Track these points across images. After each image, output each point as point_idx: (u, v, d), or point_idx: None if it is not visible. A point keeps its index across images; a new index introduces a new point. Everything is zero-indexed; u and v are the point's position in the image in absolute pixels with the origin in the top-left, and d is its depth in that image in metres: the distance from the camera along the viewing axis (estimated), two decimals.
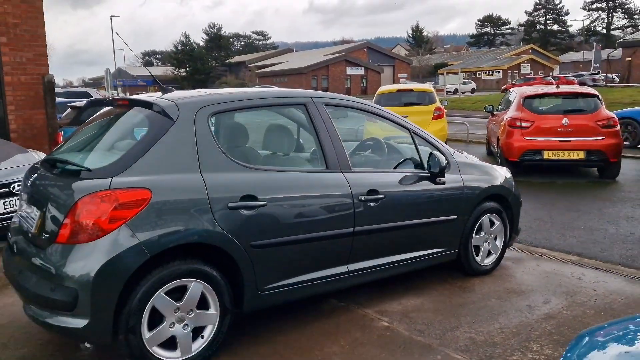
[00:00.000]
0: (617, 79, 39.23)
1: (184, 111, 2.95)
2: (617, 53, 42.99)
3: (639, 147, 11.78)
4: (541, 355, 3.00)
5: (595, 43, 54.45)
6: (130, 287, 2.59)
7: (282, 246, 3.05)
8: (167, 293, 2.71)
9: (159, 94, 3.26)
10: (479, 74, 63.41)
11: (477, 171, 4.26)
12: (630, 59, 36.25)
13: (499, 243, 4.45)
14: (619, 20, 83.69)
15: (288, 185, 3.12)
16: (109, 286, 2.53)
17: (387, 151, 4.14)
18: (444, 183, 3.87)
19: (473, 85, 52.09)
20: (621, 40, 43.47)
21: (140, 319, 2.62)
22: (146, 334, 2.65)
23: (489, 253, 4.40)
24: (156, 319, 2.70)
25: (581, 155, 8.22)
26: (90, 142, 3.25)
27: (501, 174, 4.48)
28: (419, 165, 3.89)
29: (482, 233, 4.29)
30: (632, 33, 57.71)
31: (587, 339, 1.85)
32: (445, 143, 10.05)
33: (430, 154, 3.80)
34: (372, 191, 3.45)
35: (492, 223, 4.36)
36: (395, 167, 3.92)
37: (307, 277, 3.22)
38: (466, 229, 4.12)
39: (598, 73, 41.02)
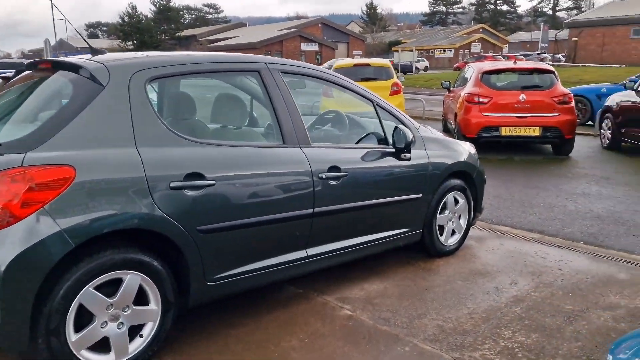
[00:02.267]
0: (564, 59, 40.35)
1: (116, 75, 2.52)
2: (564, 33, 44.19)
3: (588, 124, 11.99)
4: (514, 343, 2.81)
5: (542, 24, 55.73)
6: (52, 283, 2.19)
7: (234, 230, 2.70)
8: (98, 288, 2.31)
9: (89, 56, 2.81)
10: (432, 52, 63.95)
11: (443, 147, 4.02)
12: (576, 39, 37.31)
13: (463, 222, 4.25)
14: (565, 2, 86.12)
15: (240, 162, 2.76)
16: (24, 281, 2.12)
17: (348, 125, 3.83)
18: (409, 159, 3.61)
19: (426, 63, 52.45)
20: (568, 21, 44.62)
21: (65, 320, 2.22)
22: (72, 337, 2.26)
23: (453, 232, 4.20)
24: (84, 318, 2.30)
25: (537, 131, 8.20)
26: (3, 111, 2.76)
27: (466, 149, 4.26)
28: (382, 140, 3.60)
29: (447, 212, 4.08)
30: (576, 15, 59.43)
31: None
32: None
33: (395, 127, 3.51)
34: (333, 168, 3.14)
35: (456, 201, 4.15)
36: (357, 142, 3.61)
37: (261, 264, 2.89)
38: (431, 207, 3.89)
39: (545, 53, 42.03)
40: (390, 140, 3.57)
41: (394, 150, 3.55)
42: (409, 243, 3.87)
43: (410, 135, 3.46)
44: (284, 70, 3.14)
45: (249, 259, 2.84)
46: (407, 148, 3.49)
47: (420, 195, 3.77)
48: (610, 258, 4.13)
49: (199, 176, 2.55)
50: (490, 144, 8.78)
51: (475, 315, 3.11)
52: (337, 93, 4.36)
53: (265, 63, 3.08)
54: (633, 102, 8.35)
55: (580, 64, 33.59)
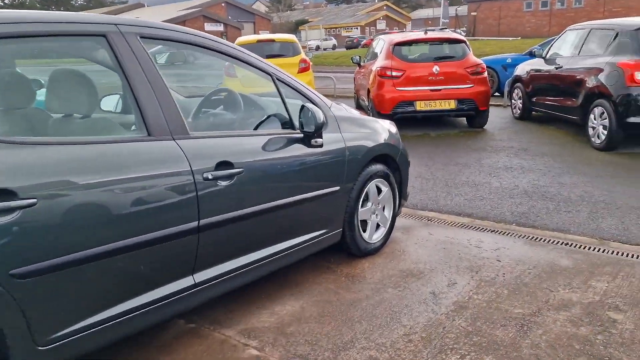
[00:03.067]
0: (464, 34, 41.69)
1: None
2: (464, 9, 45.66)
3: (497, 95, 12.02)
4: None
5: (442, 0, 57.37)
6: None
7: (75, 267, 1.86)
8: None
9: None
10: (339, 31, 63.88)
11: (360, 127, 3.36)
12: (475, 13, 38.59)
13: (388, 213, 3.66)
14: None
15: (77, 167, 1.90)
16: None
17: (243, 106, 3.05)
18: (321, 145, 2.91)
19: (334, 41, 52.23)
20: None
21: None
22: None
23: (378, 227, 3.59)
24: None
25: (452, 104, 7.86)
26: None
27: (386, 128, 3.64)
28: (287, 123, 2.87)
29: (369, 204, 3.45)
30: None
31: None
32: None
33: (302, 107, 2.79)
34: (224, 164, 2.37)
35: (379, 190, 3.54)
36: (256, 128, 2.86)
37: (128, 305, 2.07)
38: (351, 201, 3.23)
39: (446, 28, 43.20)
40: (297, 124, 2.85)
41: (302, 135, 2.84)
42: (327, 246, 3.20)
43: (321, 116, 2.76)
44: (144, 35, 2.29)
45: (109, 301, 2.01)
46: (317, 132, 2.79)
47: (338, 187, 3.10)
48: (547, 241, 3.72)
49: (7, 194, 1.68)
50: (405, 120, 8.35)
51: (414, 337, 2.50)
52: (241, 72, 3.54)
53: (116, 24, 2.21)
54: (542, 70, 8.24)
55: (481, 38, 34.79)
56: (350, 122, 3.27)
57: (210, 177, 2.28)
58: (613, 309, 2.71)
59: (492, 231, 3.97)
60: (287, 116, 2.86)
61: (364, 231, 3.45)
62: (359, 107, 10.60)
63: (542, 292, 2.93)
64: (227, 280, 2.48)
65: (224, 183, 2.35)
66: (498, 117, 9.49)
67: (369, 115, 8.38)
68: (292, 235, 2.86)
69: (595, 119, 6.55)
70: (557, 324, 2.58)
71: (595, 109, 6.53)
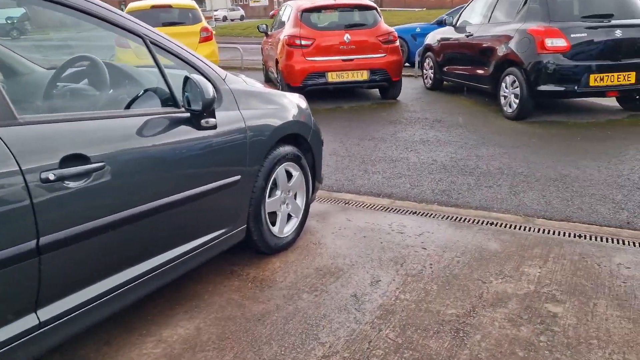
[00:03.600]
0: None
1: None
2: None
3: (407, 65, 11.89)
4: None
5: None
6: None
7: None
8: None
9: None
10: (247, 1, 61.84)
11: (264, 103, 2.82)
12: None
13: (301, 201, 3.18)
14: None
15: None
16: None
17: (109, 79, 2.39)
18: (214, 126, 2.35)
19: (242, 12, 50.47)
20: None
21: None
22: None
23: (289, 217, 3.11)
24: None
25: (365, 75, 7.50)
26: None
27: (295, 104, 3.13)
28: (170, 100, 2.27)
29: (278, 192, 2.95)
30: None
31: None
32: None
33: (186, 79, 2.20)
34: (75, 158, 1.75)
35: (289, 176, 3.05)
36: (128, 107, 2.23)
37: None
38: (256, 191, 2.71)
39: None
40: (181, 100, 2.26)
41: (188, 115, 2.25)
42: (230, 246, 2.67)
43: (210, 90, 2.18)
44: None
45: None
46: (207, 110, 2.22)
47: (239, 177, 2.56)
48: (472, 221, 3.44)
49: None
50: (316, 92, 7.90)
51: (335, 358, 2.06)
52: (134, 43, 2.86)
53: None
54: (452, 38, 8.08)
55: (388, 9, 34.98)
56: (251, 97, 2.72)
57: (51, 177, 1.66)
58: (551, 301, 2.44)
59: (414, 213, 3.64)
60: (167, 90, 2.25)
61: (273, 224, 2.96)
62: (268, 80, 10.01)
63: (474, 284, 2.61)
64: (92, 310, 1.89)
65: (74, 184, 1.73)
66: (410, 87, 9.30)
67: (278, 88, 7.86)
68: (181, 242, 2.30)
69: (506, 87, 6.46)
70: (495, 325, 2.26)
71: (507, 77, 6.43)
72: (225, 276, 2.75)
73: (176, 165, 2.20)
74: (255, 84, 3.01)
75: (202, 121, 2.28)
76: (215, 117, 2.33)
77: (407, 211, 3.67)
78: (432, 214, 3.60)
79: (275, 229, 2.95)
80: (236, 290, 2.60)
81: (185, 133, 2.24)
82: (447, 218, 3.53)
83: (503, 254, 2.96)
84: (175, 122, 2.23)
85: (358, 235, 3.25)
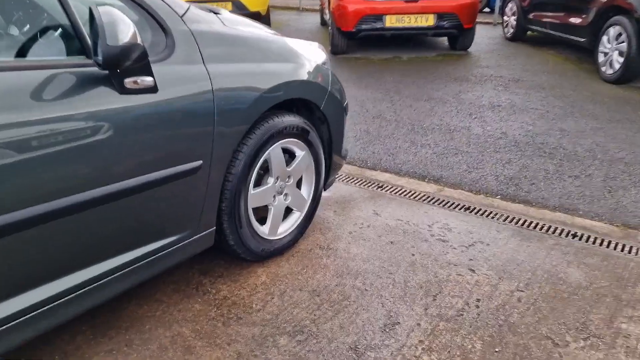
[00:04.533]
0: None
1: None
2: None
3: (486, 11, 10.40)
4: None
5: None
6: None
7: None
8: None
9: None
10: None
11: (250, 54, 1.95)
12: None
13: (308, 190, 2.35)
14: None
15: None
16: None
17: None
18: (152, 89, 1.53)
19: None
20: None
21: None
22: None
23: (288, 212, 2.30)
24: None
25: (431, 20, 6.34)
26: None
27: (304, 56, 2.24)
28: (78, 44, 1.46)
29: (271, 180, 2.13)
30: None
31: None
32: (268, 12, 7.58)
33: (91, 12, 1.37)
34: None
35: (291, 156, 2.22)
36: (20, 55, 1.47)
37: None
38: (232, 179, 1.91)
39: None
40: (98, 46, 1.44)
41: (106, 70, 1.44)
42: (190, 256, 1.91)
43: (121, 32, 1.34)
44: None
45: None
46: (119, 62, 1.39)
47: (200, 162, 1.75)
48: (546, 229, 2.49)
49: None
50: (371, 40, 6.86)
51: None
52: None
53: None
54: None
55: None
56: (226, 45, 1.86)
57: None
58: None
59: (466, 209, 2.72)
60: (74, 32, 1.44)
61: (263, 222, 2.16)
62: (324, 23, 9.01)
63: (541, 347, 1.72)
64: None
65: None
66: (486, 37, 7.99)
67: (329, 33, 6.90)
68: (99, 256, 1.55)
69: (608, 42, 5.15)
70: None
71: (610, 29, 5.10)
72: (186, 292, 2.01)
73: (87, 150, 1.42)
74: (244, 22, 2.14)
75: (126, 81, 1.46)
76: (151, 75, 1.51)
77: (457, 205, 2.76)
78: (490, 213, 2.67)
79: (263, 229, 2.15)
80: (191, 320, 1.85)
81: (101, 98, 1.45)
82: (511, 221, 2.59)
83: (589, 291, 2.02)
84: (87, 81, 1.44)
85: (383, 240, 2.40)
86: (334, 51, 6.76)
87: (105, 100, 1.45)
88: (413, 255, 2.28)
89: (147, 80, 1.51)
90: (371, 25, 6.31)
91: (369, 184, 3.05)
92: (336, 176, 2.63)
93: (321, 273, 2.14)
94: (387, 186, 3.02)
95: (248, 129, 1.93)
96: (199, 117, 1.70)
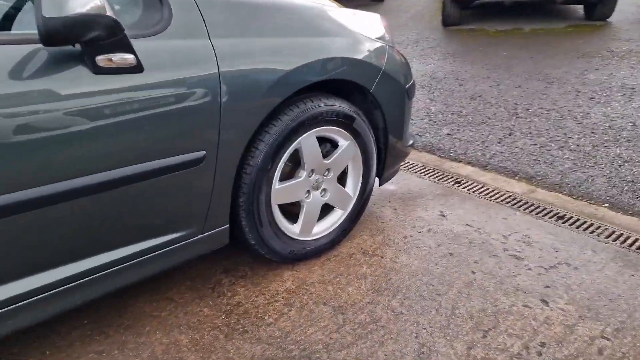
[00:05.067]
0: None
1: None
2: None
3: None
4: None
5: None
6: None
7: None
8: None
9: None
10: None
11: (271, 24, 1.65)
12: None
13: (354, 186, 2.03)
14: None
15: None
16: None
17: None
18: (136, 68, 1.32)
19: None
20: None
21: None
22: None
23: (327, 209, 2.01)
24: None
25: None
26: None
27: (353, 29, 1.89)
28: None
29: (303, 173, 1.84)
30: None
31: None
32: None
33: None
34: None
35: (334, 145, 1.92)
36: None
37: None
38: (251, 172, 1.66)
39: None
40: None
41: (50, 47, 1.24)
42: (198, 255, 1.71)
43: None
44: None
45: None
46: (72, 37, 1.18)
47: (203, 153, 1.52)
48: None
49: None
50: (489, 9, 6.13)
51: None
52: None
53: None
54: None
55: None
56: (240, 13, 1.59)
57: None
58: None
59: (558, 218, 2.21)
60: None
61: (293, 221, 1.90)
62: None
63: None
64: None
65: None
66: (635, 5, 6.77)
67: (442, 2, 6.32)
68: (84, 252, 1.41)
69: None
70: None
71: None
72: (201, 292, 1.82)
73: (59, 135, 1.25)
74: None
75: (98, 59, 1.26)
76: (131, 52, 1.30)
77: (547, 212, 2.26)
78: (590, 226, 2.13)
79: (293, 228, 1.89)
80: (194, 327, 1.66)
81: (75, 79, 1.27)
82: (616, 239, 2.04)
83: None
84: (62, 58, 1.26)
85: (442, 250, 2.01)
86: (446, 22, 6.16)
87: (79, 80, 1.27)
88: (473, 273, 1.87)
89: (127, 58, 1.30)
90: None
91: (446, 178, 2.63)
92: (397, 168, 2.27)
93: (355, 285, 1.83)
94: (465, 182, 2.58)
95: (268, 115, 1.66)
96: (200, 102, 1.46)
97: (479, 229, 2.15)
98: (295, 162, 1.84)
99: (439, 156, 2.94)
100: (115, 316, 1.71)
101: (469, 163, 2.83)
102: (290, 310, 1.71)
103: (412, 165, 2.79)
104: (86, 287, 1.42)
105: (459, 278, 1.84)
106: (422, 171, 2.72)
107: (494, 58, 4.71)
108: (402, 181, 2.60)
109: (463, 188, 2.52)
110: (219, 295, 1.80)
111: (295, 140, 1.76)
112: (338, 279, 1.86)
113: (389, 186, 2.56)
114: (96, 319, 1.70)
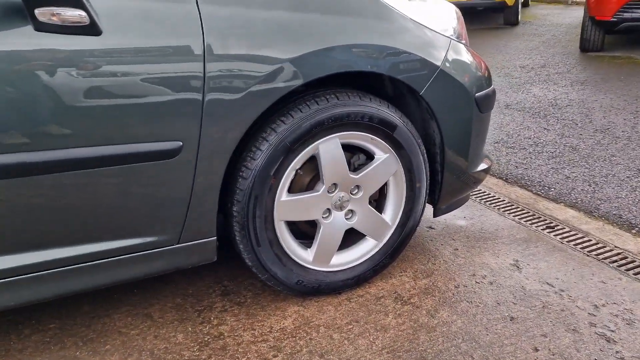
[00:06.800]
0: None
1: None
2: None
3: None
4: None
5: None
6: None
7: None
8: None
9: None
10: None
11: None
12: None
13: (394, 211, 1.62)
14: None
15: None
16: None
17: None
18: (89, 29, 1.08)
19: None
20: None
21: None
22: None
23: (356, 238, 1.61)
24: None
25: None
26: None
27: (404, 14, 1.50)
28: None
29: (321, 187, 1.47)
30: None
31: None
32: (516, 3, 6.64)
33: None
34: None
35: (369, 156, 1.55)
36: None
37: None
38: (249, 179, 1.35)
39: None
40: None
41: None
42: (176, 268, 1.42)
43: None
44: None
45: None
46: None
47: (179, 144, 1.23)
48: None
49: None
50: (636, 33, 5.24)
51: None
52: None
53: None
54: None
55: None
56: None
57: None
58: None
59: None
60: None
61: (308, 246, 1.54)
62: None
63: None
64: None
65: None
66: None
67: (582, 25, 5.62)
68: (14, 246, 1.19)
69: None
70: None
71: None
72: (185, 314, 1.53)
73: None
74: None
75: (37, 12, 1.04)
76: (81, 7, 1.06)
77: None
78: None
79: (304, 254, 1.52)
80: (157, 356, 1.36)
81: (11, 36, 1.06)
82: None
83: None
84: (6, 11, 1.07)
85: (501, 311, 1.51)
86: (584, 47, 5.37)
87: (17, 38, 1.05)
88: (536, 350, 1.35)
89: (76, 14, 1.06)
90: (636, 15, 4.76)
91: (535, 221, 2.08)
92: (461, 197, 1.80)
93: (369, 338, 1.41)
94: (561, 228, 2.01)
95: (273, 110, 1.34)
96: (175, 82, 1.18)
97: (562, 291, 1.60)
98: (317, 173, 1.48)
99: (534, 193, 2.37)
100: (84, 325, 1.48)
101: (572, 206, 2.24)
102: (275, 357, 1.35)
103: (496, 200, 2.27)
104: (13, 289, 1.20)
105: (513, 354, 1.33)
106: (507, 208, 2.19)
107: (637, 89, 3.91)
108: (476, 217, 2.10)
109: (555, 235, 1.96)
110: (203, 322, 1.49)
111: (312, 144, 1.41)
112: (350, 327, 1.46)
113: (458, 221, 2.08)
114: (64, 324, 1.48)
